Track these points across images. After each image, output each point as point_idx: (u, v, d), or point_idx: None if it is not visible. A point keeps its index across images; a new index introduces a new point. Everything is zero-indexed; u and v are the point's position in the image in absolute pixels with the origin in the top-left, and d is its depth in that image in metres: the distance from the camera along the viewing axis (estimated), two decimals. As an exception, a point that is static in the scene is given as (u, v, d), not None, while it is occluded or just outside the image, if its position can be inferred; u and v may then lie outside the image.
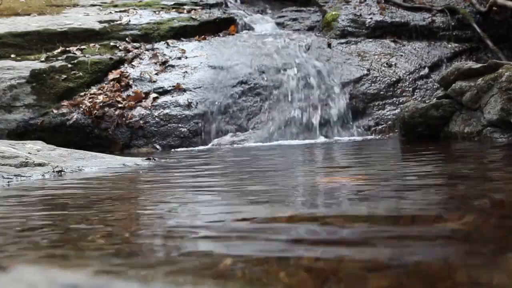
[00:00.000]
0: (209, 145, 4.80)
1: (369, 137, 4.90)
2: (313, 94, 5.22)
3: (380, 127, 5.12)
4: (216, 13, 6.99)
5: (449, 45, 6.44)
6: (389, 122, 5.11)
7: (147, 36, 6.32)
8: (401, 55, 6.08)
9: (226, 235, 1.00)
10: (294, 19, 7.18)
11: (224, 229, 1.06)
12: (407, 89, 5.55)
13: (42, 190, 2.05)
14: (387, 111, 5.26)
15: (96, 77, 5.43)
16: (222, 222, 1.16)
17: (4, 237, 1.10)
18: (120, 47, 5.99)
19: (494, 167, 2.16)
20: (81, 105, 5.05)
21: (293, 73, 5.40)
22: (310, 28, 6.94)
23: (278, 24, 6.99)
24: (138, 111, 5.05)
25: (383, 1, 7.05)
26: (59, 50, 5.75)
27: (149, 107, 5.09)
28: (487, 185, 1.57)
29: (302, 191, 1.68)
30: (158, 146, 4.86)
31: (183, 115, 5.04)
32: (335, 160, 3.03)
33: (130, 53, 5.89)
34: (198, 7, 7.13)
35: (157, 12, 6.87)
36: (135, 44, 6.14)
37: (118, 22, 6.43)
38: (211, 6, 7.22)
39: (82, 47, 5.89)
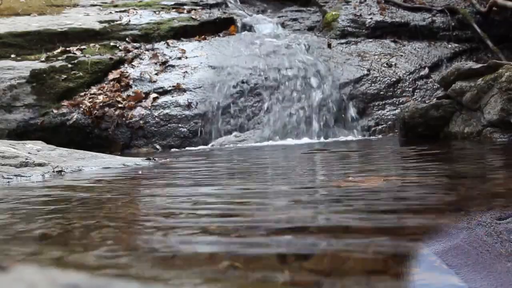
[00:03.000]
0: (210, 145, 4.80)
1: (369, 137, 4.90)
2: (313, 94, 5.22)
3: (380, 127, 5.12)
4: (216, 13, 6.99)
5: (449, 45, 6.44)
6: (389, 122, 5.11)
7: (147, 36, 6.32)
8: (401, 55, 6.08)
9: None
10: (294, 19, 7.18)
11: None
12: (407, 89, 5.55)
13: (42, 190, 2.05)
14: (387, 111, 5.26)
15: (96, 77, 5.43)
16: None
17: (4, 237, 1.10)
18: (120, 47, 5.99)
19: (494, 167, 2.16)
20: (81, 105, 5.05)
21: (293, 73, 5.40)
22: (310, 28, 6.95)
23: (278, 24, 6.99)
24: (138, 111, 5.05)
25: (383, 1, 7.06)
26: (59, 50, 5.76)
27: (149, 107, 5.09)
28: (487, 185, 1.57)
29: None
30: (158, 146, 4.86)
31: (183, 115, 5.04)
32: (340, 161, 3.03)
33: (130, 53, 5.89)
34: (198, 7, 7.13)
35: (157, 12, 6.87)
36: (135, 44, 6.14)
37: (118, 22, 6.43)
38: (211, 6, 7.23)
39: (82, 47, 5.89)
